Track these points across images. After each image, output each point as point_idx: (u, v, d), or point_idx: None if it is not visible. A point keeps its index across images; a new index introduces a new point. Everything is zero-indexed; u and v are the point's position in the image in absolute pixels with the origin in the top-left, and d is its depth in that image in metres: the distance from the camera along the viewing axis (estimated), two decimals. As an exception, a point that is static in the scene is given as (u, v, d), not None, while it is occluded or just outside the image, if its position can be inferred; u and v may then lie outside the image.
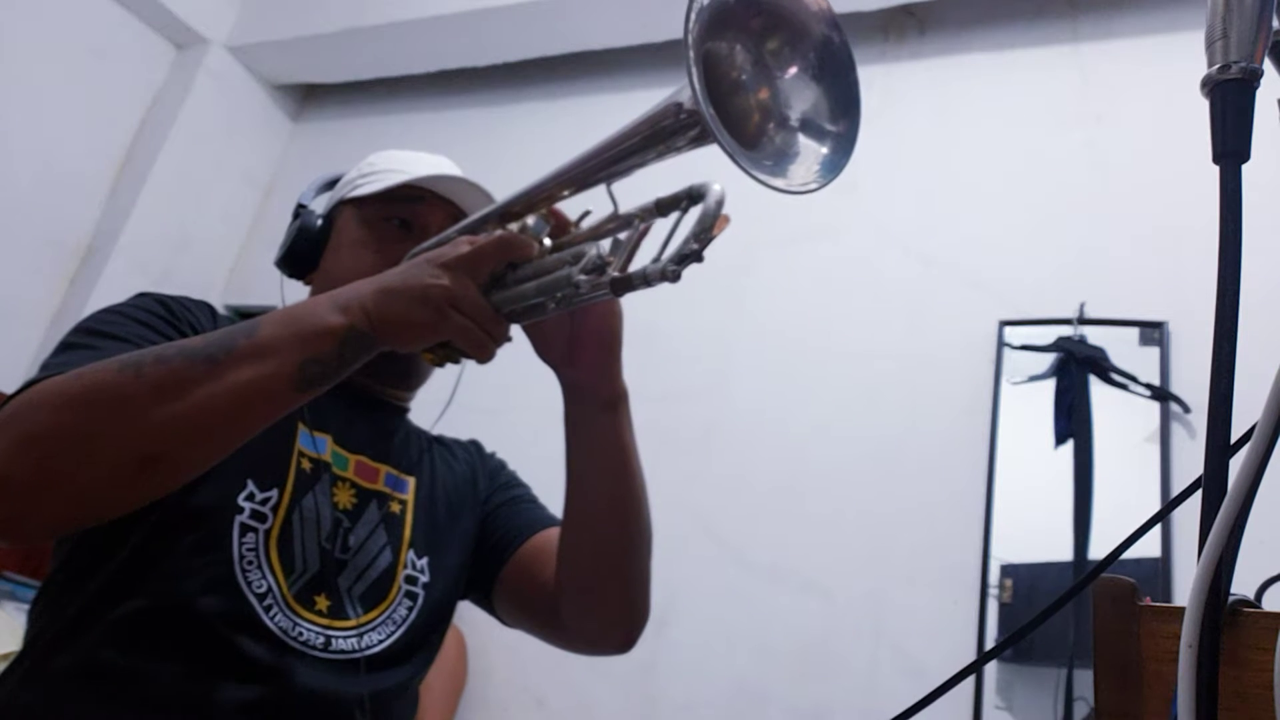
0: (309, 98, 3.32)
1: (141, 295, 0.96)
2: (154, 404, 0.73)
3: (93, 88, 2.89)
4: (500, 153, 2.68)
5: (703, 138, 0.68)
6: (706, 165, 0.76)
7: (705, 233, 0.69)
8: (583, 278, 0.75)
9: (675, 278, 0.69)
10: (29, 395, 0.75)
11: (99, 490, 0.74)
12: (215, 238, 3.04)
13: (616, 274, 0.74)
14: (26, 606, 2.13)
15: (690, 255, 0.69)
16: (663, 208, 0.76)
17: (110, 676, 0.84)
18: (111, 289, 2.73)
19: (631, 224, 0.78)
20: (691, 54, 0.63)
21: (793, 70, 0.72)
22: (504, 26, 2.73)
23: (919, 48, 2.41)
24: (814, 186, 0.69)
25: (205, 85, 3.02)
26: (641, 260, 0.75)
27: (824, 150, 0.71)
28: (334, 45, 2.98)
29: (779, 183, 0.67)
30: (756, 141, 0.71)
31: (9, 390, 2.72)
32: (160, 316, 0.92)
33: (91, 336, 0.87)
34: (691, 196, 0.74)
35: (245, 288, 3.01)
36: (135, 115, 3.00)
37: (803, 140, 0.71)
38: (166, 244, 2.90)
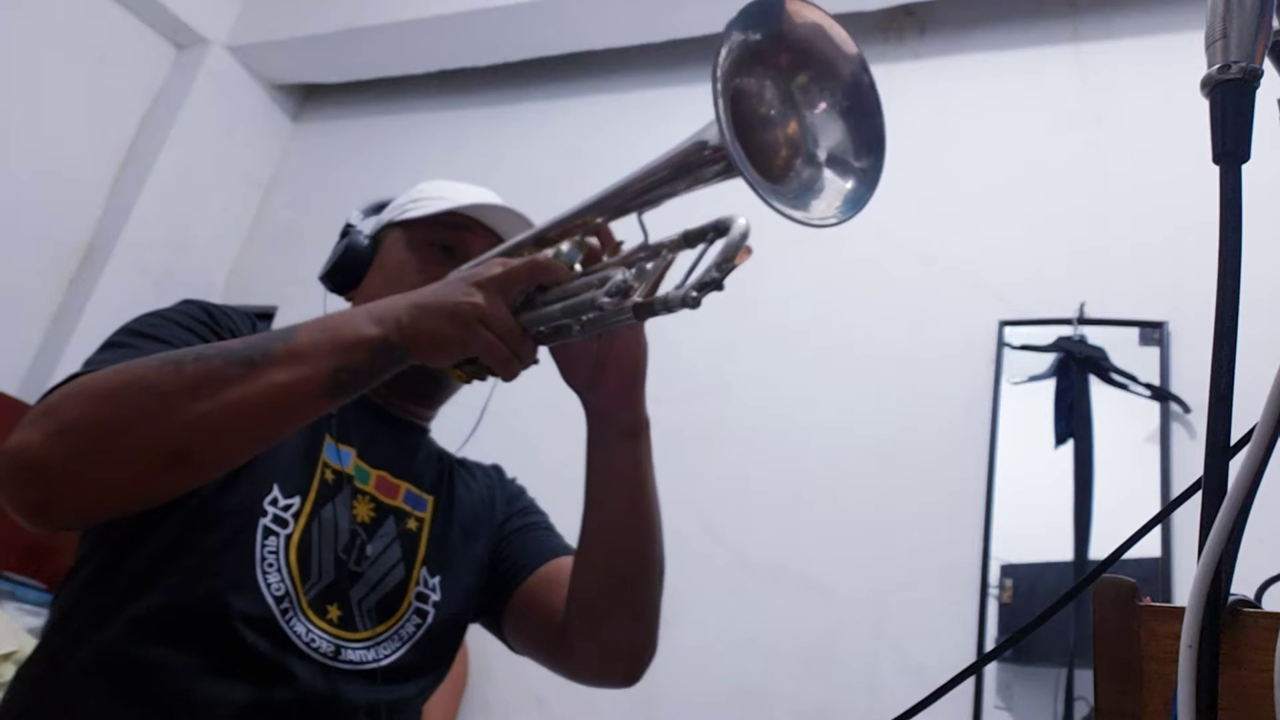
0: (309, 98, 3.32)
1: (187, 301, 0.99)
2: (189, 401, 0.76)
3: (93, 88, 2.89)
4: (500, 153, 2.69)
5: (730, 171, 0.71)
6: (732, 190, 0.78)
7: (727, 263, 0.72)
8: (607, 300, 0.78)
9: (696, 304, 0.72)
10: (70, 387, 0.79)
11: (129, 480, 0.77)
12: (215, 238, 3.04)
13: (640, 299, 0.77)
14: (27, 606, 2.14)
15: (711, 283, 0.72)
16: (690, 239, 0.79)
17: (130, 671, 0.85)
18: (111, 289, 2.73)
19: (660, 254, 0.81)
20: (719, 85, 0.65)
21: (821, 106, 0.74)
22: (504, 26, 2.73)
23: (919, 48, 2.41)
24: (833, 221, 0.72)
25: (205, 85, 3.02)
26: (666, 288, 0.77)
27: (848, 185, 0.73)
28: (334, 45, 2.98)
29: (800, 215, 0.69)
30: (784, 175, 0.74)
31: (9, 390, 2.70)
32: (204, 323, 0.95)
33: (135, 337, 0.90)
34: (717, 229, 0.77)
35: (245, 288, 3.00)
36: (135, 115, 3.00)
37: (828, 175, 0.74)
38: (166, 244, 2.90)
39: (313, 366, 0.78)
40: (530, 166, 2.54)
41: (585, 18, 2.63)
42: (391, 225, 1.12)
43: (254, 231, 3.12)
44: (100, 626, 0.87)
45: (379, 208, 1.18)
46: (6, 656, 1.82)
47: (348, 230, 1.13)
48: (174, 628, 0.86)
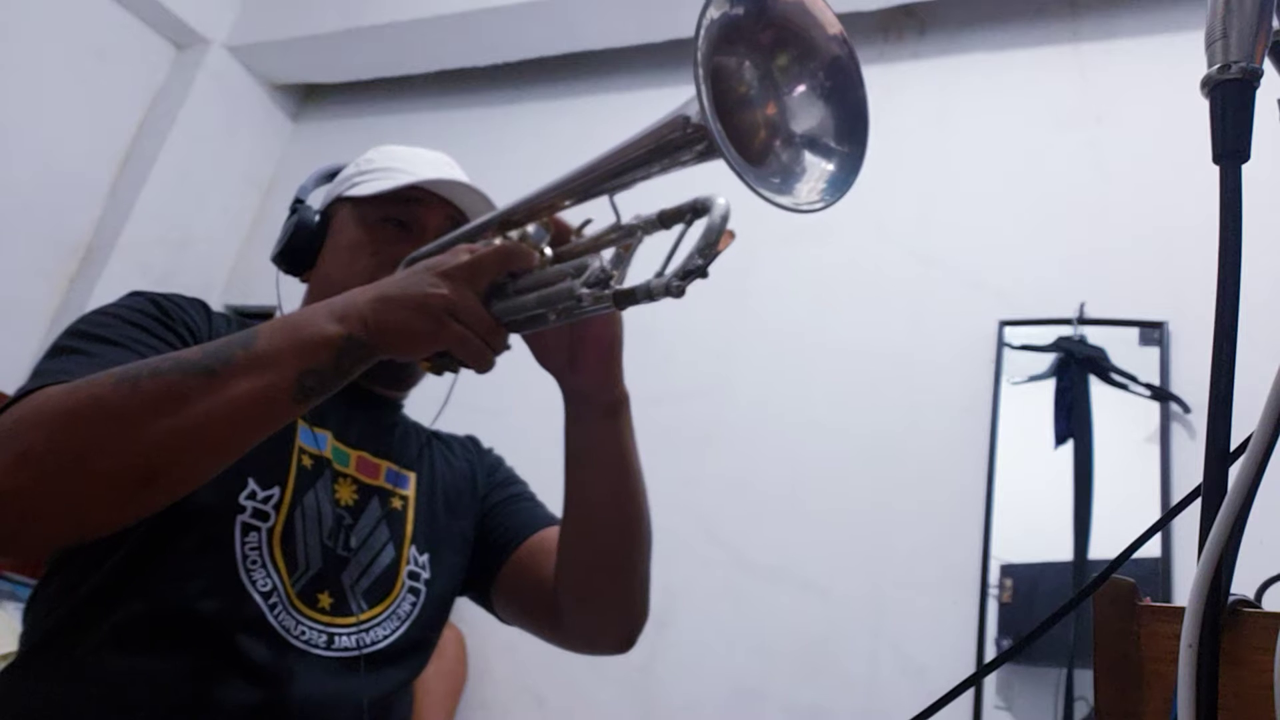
0: (309, 98, 3.32)
1: (134, 295, 0.95)
2: (151, 419, 0.72)
3: (93, 88, 2.88)
4: (500, 153, 2.68)
5: (709, 153, 0.68)
6: (707, 176, 0.76)
7: (710, 248, 0.69)
8: (585, 291, 0.75)
9: (679, 293, 0.69)
10: (24, 410, 0.74)
11: (97, 506, 0.73)
12: (215, 238, 3.04)
13: (619, 287, 0.74)
14: (26, 606, 2.13)
15: (695, 271, 0.69)
16: (666, 220, 0.76)
17: (112, 681, 0.83)
18: (111, 289, 2.73)
19: (633, 235, 0.78)
20: (700, 71, 0.63)
21: (801, 88, 0.71)
22: (504, 26, 2.73)
23: (919, 48, 2.41)
24: (819, 205, 0.68)
25: (205, 85, 3.02)
26: (638, 268, 0.74)
27: (830, 168, 0.70)
28: (334, 45, 2.98)
29: (785, 200, 0.66)
30: (763, 158, 0.71)
31: (9, 391, 2.70)
32: (153, 317, 0.91)
33: (84, 340, 0.86)
34: (696, 210, 0.73)
35: (245, 288, 3.01)
36: (135, 115, 3.00)
37: (809, 158, 0.70)
38: (166, 244, 2.90)
39: (276, 372, 0.74)
40: (530, 166, 2.53)
41: (585, 18, 2.63)
42: (342, 200, 1.08)
43: (254, 231, 3.12)
44: (78, 636, 0.85)
45: (330, 176, 1.14)
46: (6, 657, 1.82)
47: (296, 206, 1.09)
48: (156, 635, 0.85)
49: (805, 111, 0.71)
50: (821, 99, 0.71)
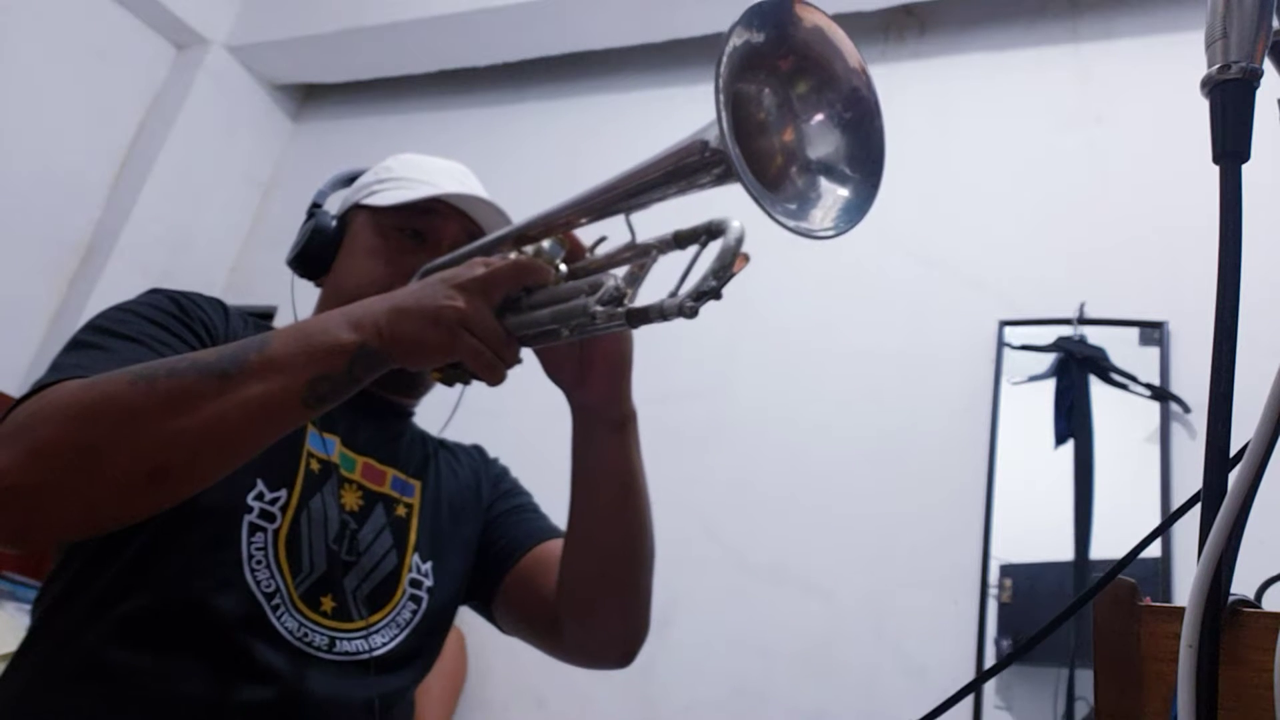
0: (309, 98, 3.32)
1: (154, 292, 0.96)
2: (165, 418, 0.73)
3: (93, 88, 2.89)
4: (500, 153, 2.68)
5: (726, 177, 0.68)
6: (719, 195, 0.77)
7: (724, 270, 0.70)
8: (599, 308, 0.75)
9: (693, 314, 0.69)
10: (39, 404, 0.75)
11: (107, 501, 0.74)
12: (215, 238, 3.04)
13: (633, 306, 0.74)
14: (26, 606, 2.13)
15: (709, 293, 0.69)
16: (681, 240, 0.76)
17: (118, 675, 0.84)
18: (111, 289, 2.73)
19: (648, 254, 0.78)
20: (721, 97, 0.63)
21: (819, 116, 0.72)
22: (504, 26, 2.73)
23: (919, 48, 2.41)
24: (832, 233, 0.69)
25: (205, 85, 3.02)
26: (651, 286, 0.75)
27: (845, 195, 0.71)
28: (334, 45, 2.98)
29: (801, 226, 0.67)
30: (779, 184, 0.71)
31: (9, 390, 2.70)
32: (172, 315, 0.92)
33: (103, 335, 0.87)
34: (710, 232, 0.74)
35: (246, 288, 3.00)
36: (135, 115, 3.00)
37: (824, 184, 0.71)
38: (166, 244, 2.90)
39: (289, 377, 0.75)
40: (530, 166, 2.54)
41: (585, 18, 2.63)
42: (359, 207, 1.08)
43: (254, 231, 3.12)
44: (85, 631, 0.86)
45: (347, 181, 1.15)
46: (5, 657, 1.82)
47: (314, 211, 1.09)
48: (161, 630, 0.85)
49: (822, 139, 0.71)
50: (839, 128, 0.71)
